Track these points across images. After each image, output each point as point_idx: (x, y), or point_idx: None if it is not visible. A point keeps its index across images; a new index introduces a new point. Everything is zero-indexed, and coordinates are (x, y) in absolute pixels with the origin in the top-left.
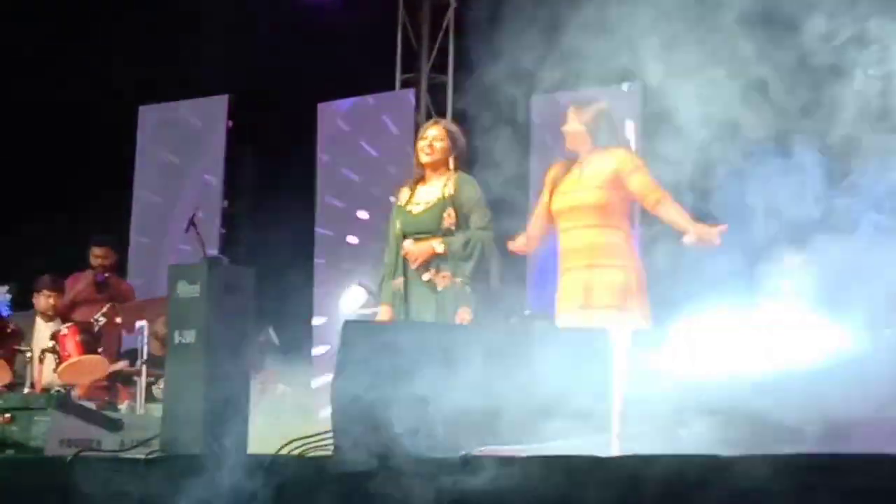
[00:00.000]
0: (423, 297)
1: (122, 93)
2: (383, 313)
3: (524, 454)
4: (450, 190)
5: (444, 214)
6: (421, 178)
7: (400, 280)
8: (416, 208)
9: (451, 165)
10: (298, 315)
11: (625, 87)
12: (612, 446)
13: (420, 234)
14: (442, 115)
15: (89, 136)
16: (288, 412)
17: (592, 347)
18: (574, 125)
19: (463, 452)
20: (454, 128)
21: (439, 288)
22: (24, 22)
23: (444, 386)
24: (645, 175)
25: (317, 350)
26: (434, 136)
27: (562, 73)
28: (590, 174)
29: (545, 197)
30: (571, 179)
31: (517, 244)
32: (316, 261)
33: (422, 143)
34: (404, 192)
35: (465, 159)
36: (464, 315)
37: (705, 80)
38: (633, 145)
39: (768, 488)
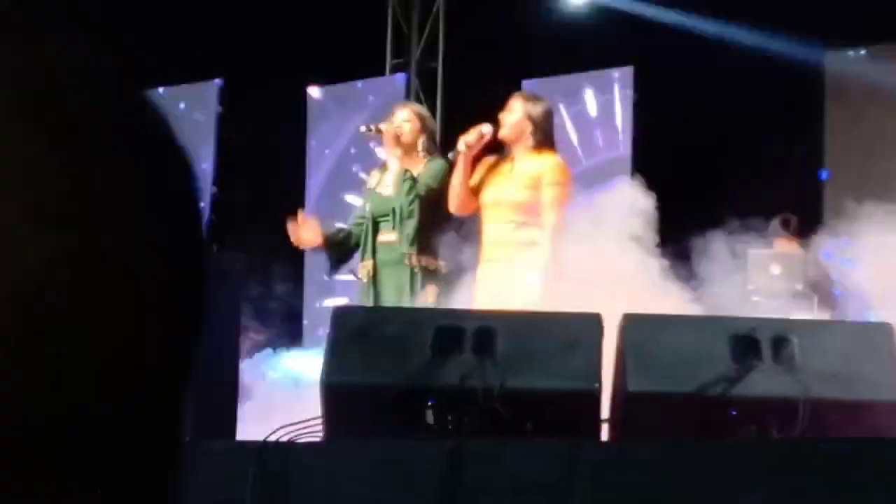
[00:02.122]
0: (390, 277)
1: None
2: (361, 298)
3: (514, 440)
4: (417, 171)
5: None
6: (393, 161)
7: (369, 262)
8: (385, 190)
9: (421, 147)
10: (289, 300)
11: (615, 72)
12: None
13: (386, 216)
14: (433, 100)
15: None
16: (279, 398)
17: (580, 332)
18: (518, 113)
19: (454, 437)
20: (424, 111)
21: (406, 266)
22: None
23: (433, 371)
24: (558, 195)
25: (308, 334)
26: (403, 119)
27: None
28: (520, 172)
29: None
30: (502, 173)
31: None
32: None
33: (390, 126)
34: (374, 175)
35: (435, 142)
36: (429, 294)
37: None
38: (621, 130)
39: (761, 472)
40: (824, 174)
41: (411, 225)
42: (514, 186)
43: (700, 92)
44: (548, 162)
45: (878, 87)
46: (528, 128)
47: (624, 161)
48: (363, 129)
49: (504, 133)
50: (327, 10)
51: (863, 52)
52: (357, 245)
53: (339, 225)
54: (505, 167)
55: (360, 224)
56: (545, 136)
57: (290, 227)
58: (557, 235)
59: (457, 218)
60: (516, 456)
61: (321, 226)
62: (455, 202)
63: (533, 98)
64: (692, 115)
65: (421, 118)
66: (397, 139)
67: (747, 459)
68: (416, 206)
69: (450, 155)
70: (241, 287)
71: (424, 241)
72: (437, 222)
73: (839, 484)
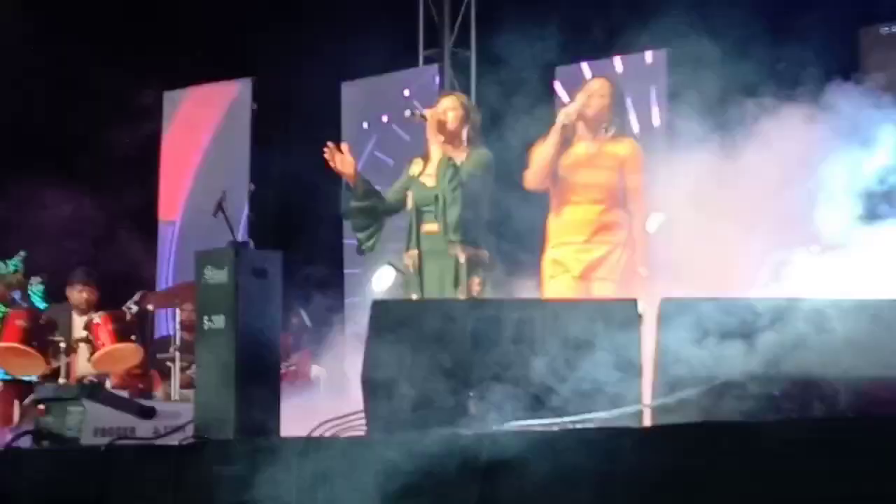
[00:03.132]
0: (434, 267)
1: (148, 79)
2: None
3: (556, 429)
4: (460, 160)
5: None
6: (436, 149)
7: (414, 252)
8: (428, 180)
9: (465, 137)
10: (330, 296)
11: (648, 56)
12: (644, 418)
13: (429, 206)
14: (466, 89)
15: (117, 122)
16: (321, 393)
17: (621, 318)
18: (608, 98)
19: (495, 428)
20: (469, 101)
21: (450, 256)
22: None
23: (474, 363)
24: (642, 183)
25: (348, 330)
26: (448, 107)
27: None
28: (607, 154)
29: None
30: (583, 155)
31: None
32: (345, 241)
33: (435, 113)
34: (417, 164)
35: (479, 132)
36: (473, 285)
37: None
38: (656, 115)
39: (799, 453)
40: None
41: (454, 213)
42: (601, 169)
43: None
44: (632, 148)
45: None
46: (611, 114)
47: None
48: (407, 114)
49: (590, 112)
50: (358, 3)
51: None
52: (378, 213)
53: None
54: (581, 148)
55: (391, 199)
56: (623, 121)
57: (330, 153)
58: (645, 222)
59: (500, 210)
60: (557, 444)
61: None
62: (537, 177)
63: (616, 80)
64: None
65: (466, 108)
66: (442, 126)
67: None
68: (458, 193)
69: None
70: (280, 285)
71: (467, 230)
72: (480, 212)
73: (882, 463)
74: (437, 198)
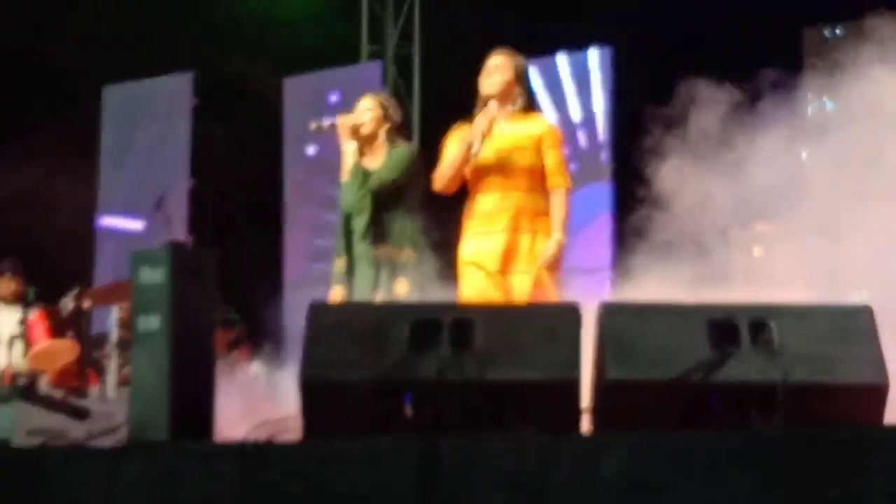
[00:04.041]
0: (364, 272)
1: (87, 72)
2: (336, 294)
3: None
4: (376, 163)
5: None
6: (361, 153)
7: (343, 259)
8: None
9: (384, 137)
10: (269, 292)
11: (593, 53)
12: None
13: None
14: (409, 86)
15: (54, 116)
16: (260, 393)
17: (561, 321)
18: (510, 73)
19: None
20: (387, 100)
21: (378, 259)
22: None
23: (411, 365)
24: (562, 158)
25: (289, 327)
26: (365, 107)
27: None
28: (521, 134)
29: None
30: (496, 135)
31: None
32: (286, 236)
33: (348, 118)
34: (346, 170)
35: (401, 129)
36: (399, 286)
37: None
38: (600, 111)
39: (737, 463)
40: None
41: (362, 221)
42: (517, 151)
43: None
44: (543, 124)
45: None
46: (517, 88)
47: (601, 144)
48: (312, 126)
49: (492, 90)
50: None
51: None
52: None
53: None
54: (494, 131)
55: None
56: (530, 95)
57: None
58: (567, 199)
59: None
60: (495, 450)
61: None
62: (445, 181)
63: (515, 53)
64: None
65: (384, 107)
66: (355, 131)
67: (728, 447)
68: (367, 200)
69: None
70: (216, 285)
71: (383, 233)
72: (398, 213)
73: (820, 471)
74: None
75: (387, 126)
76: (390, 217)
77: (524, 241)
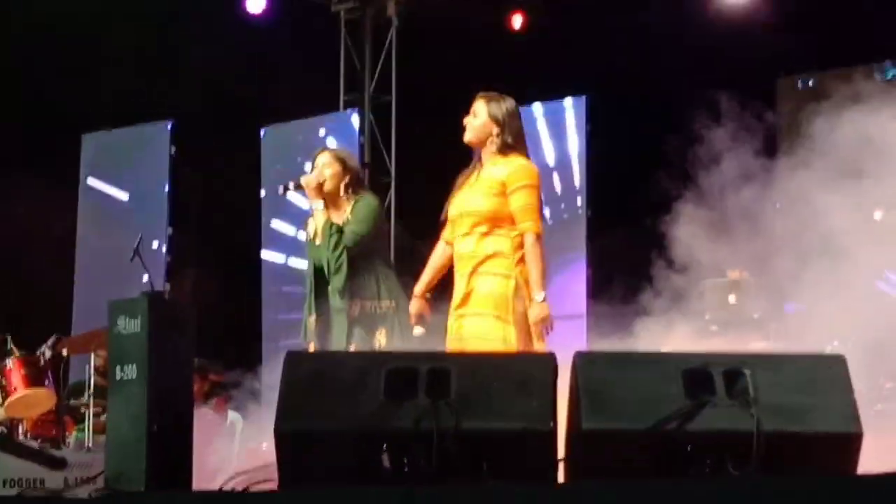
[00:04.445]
0: (340, 327)
1: (65, 120)
2: (309, 348)
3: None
4: (342, 219)
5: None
6: (327, 209)
7: (312, 318)
8: (318, 241)
9: (346, 191)
10: (248, 339)
11: (568, 101)
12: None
13: (325, 267)
14: (387, 134)
15: (32, 164)
16: (237, 440)
17: (536, 370)
18: (483, 116)
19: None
20: (343, 152)
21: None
22: None
23: (388, 414)
24: (528, 199)
25: (266, 375)
26: (322, 164)
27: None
28: (486, 178)
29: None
30: (468, 184)
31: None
32: (264, 286)
33: (310, 177)
34: (311, 225)
35: (361, 179)
36: (380, 337)
37: None
38: (575, 160)
39: None
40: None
41: (339, 279)
42: (479, 195)
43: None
44: (512, 165)
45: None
46: (494, 129)
47: (577, 189)
48: (280, 190)
49: (468, 138)
50: (279, 47)
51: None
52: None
53: None
54: (471, 177)
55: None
56: (514, 137)
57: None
58: (538, 242)
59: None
60: (471, 499)
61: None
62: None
63: (497, 97)
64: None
65: (340, 160)
66: (320, 189)
67: (703, 497)
68: (343, 258)
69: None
70: (193, 335)
71: (361, 287)
72: (372, 264)
73: None
74: (326, 262)
75: (347, 179)
76: (365, 270)
77: (477, 282)
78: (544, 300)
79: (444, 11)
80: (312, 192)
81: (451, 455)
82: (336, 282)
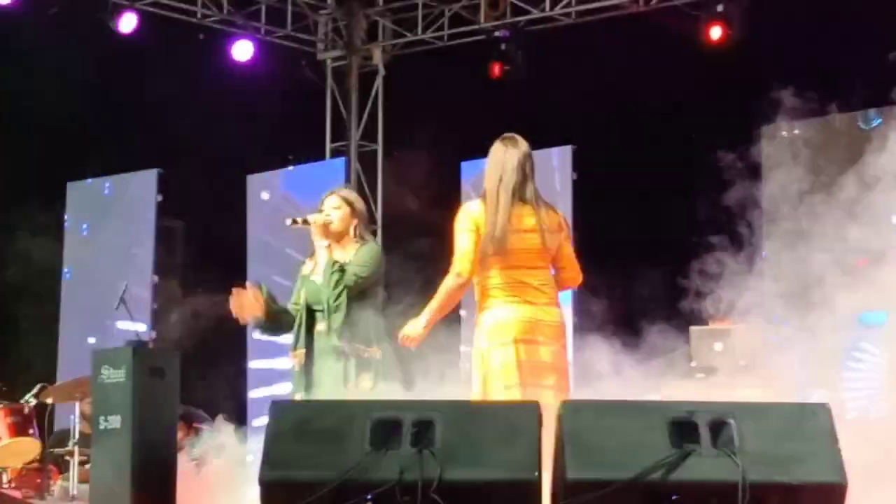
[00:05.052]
0: (330, 366)
1: (51, 170)
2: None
3: None
4: (347, 259)
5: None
6: (328, 248)
7: (301, 351)
8: (318, 278)
9: (354, 233)
10: (234, 389)
11: (554, 151)
12: None
13: (319, 305)
14: (374, 181)
15: (15, 212)
16: (222, 489)
17: (521, 420)
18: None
19: None
20: (352, 195)
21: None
22: None
23: (372, 464)
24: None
25: (254, 423)
26: (332, 206)
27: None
28: (547, 217)
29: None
30: (526, 219)
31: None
32: (251, 335)
33: (318, 216)
34: (307, 263)
35: (366, 224)
36: (364, 382)
37: None
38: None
39: None
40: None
41: (339, 318)
42: (542, 232)
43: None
44: (559, 216)
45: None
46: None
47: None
48: (288, 222)
49: (523, 182)
50: (265, 96)
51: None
52: (291, 324)
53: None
54: (515, 212)
55: (296, 307)
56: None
57: (234, 298)
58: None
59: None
60: None
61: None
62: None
63: (514, 140)
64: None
65: (350, 203)
66: (326, 229)
67: None
68: (342, 298)
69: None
70: (177, 384)
71: (355, 330)
72: (371, 308)
73: None
74: (325, 301)
75: (354, 223)
76: (359, 313)
77: None
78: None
79: (430, 60)
80: (319, 231)
81: None
82: (334, 321)
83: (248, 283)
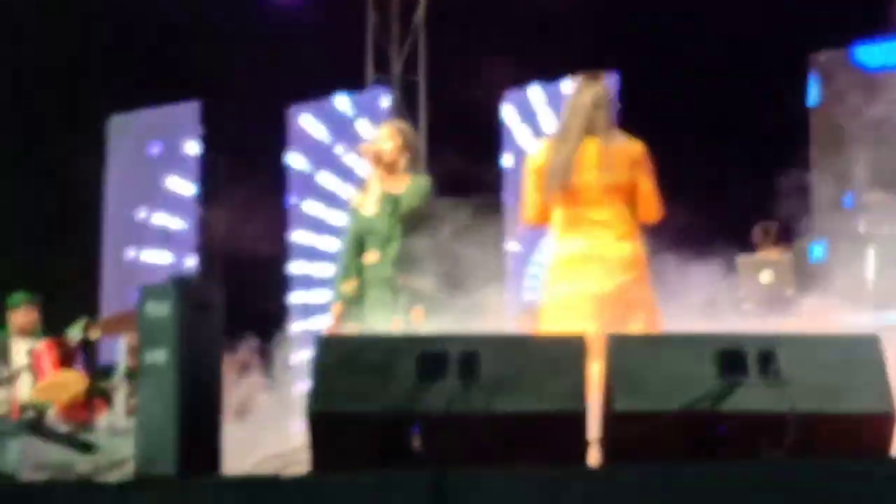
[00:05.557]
0: (383, 296)
1: (92, 103)
2: (335, 310)
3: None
4: (399, 190)
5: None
6: (375, 180)
7: (354, 281)
8: (367, 211)
9: (405, 165)
10: (276, 321)
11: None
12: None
13: (371, 235)
14: (415, 115)
15: (57, 148)
16: (268, 424)
17: (567, 352)
18: (601, 94)
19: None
20: (406, 127)
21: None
22: None
23: (419, 397)
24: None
25: (295, 357)
26: (384, 137)
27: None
28: (616, 152)
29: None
30: (590, 156)
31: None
32: (291, 263)
33: (371, 145)
34: (358, 194)
35: (419, 157)
36: (416, 314)
37: None
38: None
39: (748, 492)
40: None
41: (394, 247)
42: (616, 168)
43: (684, 97)
44: (638, 145)
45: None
46: (608, 104)
47: None
48: (343, 149)
49: (591, 116)
50: (307, 27)
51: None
52: (358, 265)
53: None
54: (589, 149)
55: (348, 244)
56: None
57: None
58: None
59: (440, 235)
60: (502, 483)
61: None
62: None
63: (592, 76)
64: (675, 121)
65: (403, 135)
66: (378, 158)
67: (736, 478)
68: (398, 227)
69: None
70: (223, 317)
71: (409, 261)
72: (421, 241)
73: (829, 501)
74: (377, 231)
75: (407, 155)
76: (411, 244)
77: None
78: None
79: None
80: (371, 160)
81: (482, 438)
82: (391, 249)
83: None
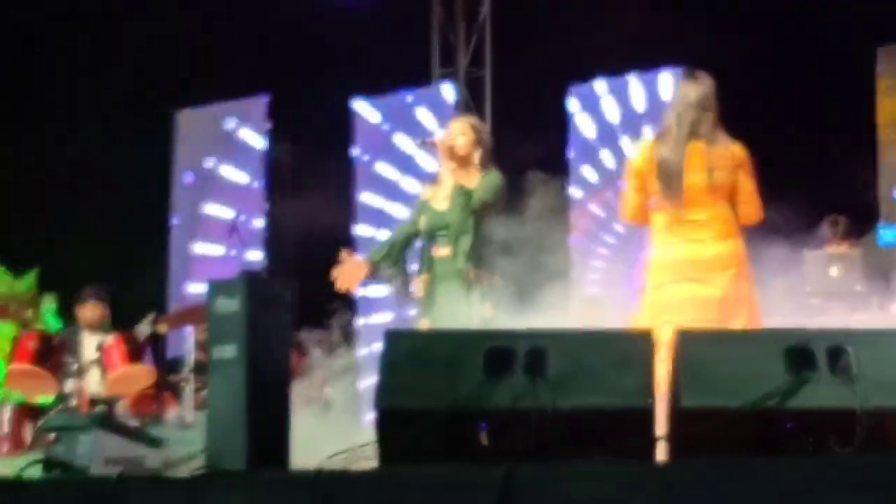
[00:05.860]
0: (448, 291)
1: (159, 98)
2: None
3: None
4: (472, 185)
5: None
6: (448, 175)
7: (426, 276)
8: (439, 205)
9: (477, 160)
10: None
11: (665, 74)
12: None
13: (442, 230)
14: (481, 109)
15: (126, 143)
16: (334, 418)
17: (634, 348)
18: (708, 94)
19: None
20: (479, 123)
21: (463, 281)
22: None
23: (486, 393)
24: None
25: (361, 351)
26: (457, 132)
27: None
28: (720, 154)
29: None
30: (696, 158)
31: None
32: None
33: (445, 139)
34: (429, 188)
35: (490, 154)
36: (486, 310)
37: None
38: None
39: (817, 489)
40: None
41: (466, 241)
42: (720, 169)
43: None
44: (738, 146)
45: None
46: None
47: None
48: (419, 142)
49: (697, 115)
50: (372, 22)
51: None
52: (400, 249)
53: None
54: (696, 148)
55: (406, 230)
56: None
57: (337, 273)
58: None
59: (510, 231)
60: (570, 479)
61: (362, 256)
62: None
63: (695, 77)
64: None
65: (476, 131)
66: (451, 152)
67: (805, 475)
68: (471, 221)
69: None
70: (293, 312)
71: (480, 256)
72: (491, 236)
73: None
74: (449, 225)
75: (480, 150)
76: (483, 239)
77: None
78: None
79: None
80: (445, 153)
81: (549, 434)
82: (462, 243)
83: (343, 253)
